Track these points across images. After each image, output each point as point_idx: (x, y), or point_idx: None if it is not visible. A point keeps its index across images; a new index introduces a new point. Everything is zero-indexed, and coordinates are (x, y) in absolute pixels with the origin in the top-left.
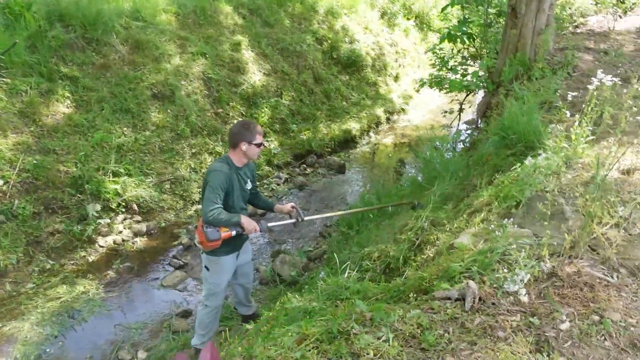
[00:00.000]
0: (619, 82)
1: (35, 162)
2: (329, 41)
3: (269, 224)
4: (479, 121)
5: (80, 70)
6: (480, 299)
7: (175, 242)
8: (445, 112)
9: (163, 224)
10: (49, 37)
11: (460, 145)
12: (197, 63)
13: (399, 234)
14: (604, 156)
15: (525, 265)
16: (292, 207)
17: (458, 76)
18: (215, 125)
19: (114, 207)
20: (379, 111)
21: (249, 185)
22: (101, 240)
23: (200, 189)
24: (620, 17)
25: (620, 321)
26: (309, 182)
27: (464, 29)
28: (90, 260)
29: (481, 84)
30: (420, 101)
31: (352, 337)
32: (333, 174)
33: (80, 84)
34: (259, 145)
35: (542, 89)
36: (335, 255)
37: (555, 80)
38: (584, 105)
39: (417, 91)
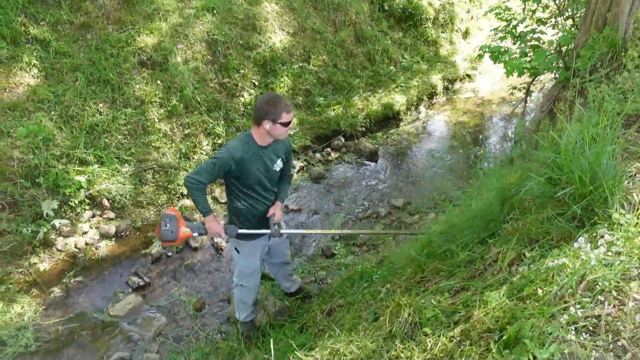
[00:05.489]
0: None
1: None
2: None
3: (240, 231)
4: (540, 121)
5: (54, 32)
6: None
7: (145, 251)
8: (514, 88)
9: (139, 224)
10: None
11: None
12: (201, 21)
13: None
14: None
15: None
16: (272, 214)
17: (515, 53)
18: (217, 99)
19: (75, 203)
20: (436, 78)
21: (277, 166)
22: (60, 243)
23: None
24: None
25: None
26: (329, 172)
27: None
28: (41, 268)
29: (551, 67)
30: (492, 64)
31: None
32: (362, 162)
33: (51, 48)
34: (285, 124)
35: (634, 92)
36: (272, 344)
37: None
38: None
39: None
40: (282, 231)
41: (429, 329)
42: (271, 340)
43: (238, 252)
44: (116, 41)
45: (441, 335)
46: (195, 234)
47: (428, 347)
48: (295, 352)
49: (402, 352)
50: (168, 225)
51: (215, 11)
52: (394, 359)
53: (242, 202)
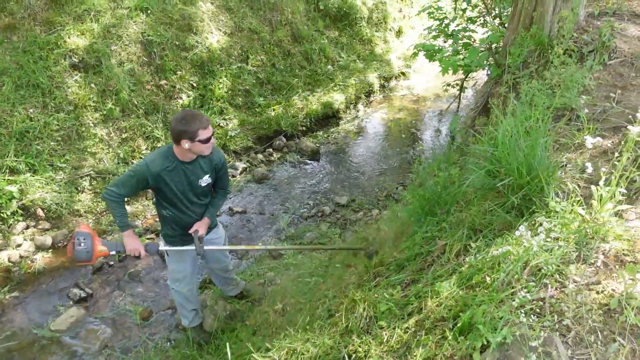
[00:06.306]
0: None
1: None
2: None
3: (162, 248)
4: (476, 117)
5: None
6: None
7: None
8: (448, 85)
9: None
10: None
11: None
12: (134, 21)
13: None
14: None
15: None
16: (195, 230)
17: (449, 51)
18: (155, 102)
19: (7, 215)
20: (372, 77)
21: (204, 182)
22: None
23: None
24: None
25: None
26: (272, 172)
27: None
28: None
29: (484, 64)
30: (425, 62)
31: None
32: (304, 161)
33: None
34: (204, 141)
35: (560, 87)
36: (228, 348)
37: (582, 72)
38: (616, 153)
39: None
40: (205, 248)
41: (384, 322)
42: (227, 344)
43: (168, 255)
44: (45, 43)
45: (396, 327)
46: (113, 252)
47: (384, 340)
48: (253, 354)
49: (359, 346)
50: (83, 244)
51: (149, 11)
52: (352, 354)
53: (167, 210)
